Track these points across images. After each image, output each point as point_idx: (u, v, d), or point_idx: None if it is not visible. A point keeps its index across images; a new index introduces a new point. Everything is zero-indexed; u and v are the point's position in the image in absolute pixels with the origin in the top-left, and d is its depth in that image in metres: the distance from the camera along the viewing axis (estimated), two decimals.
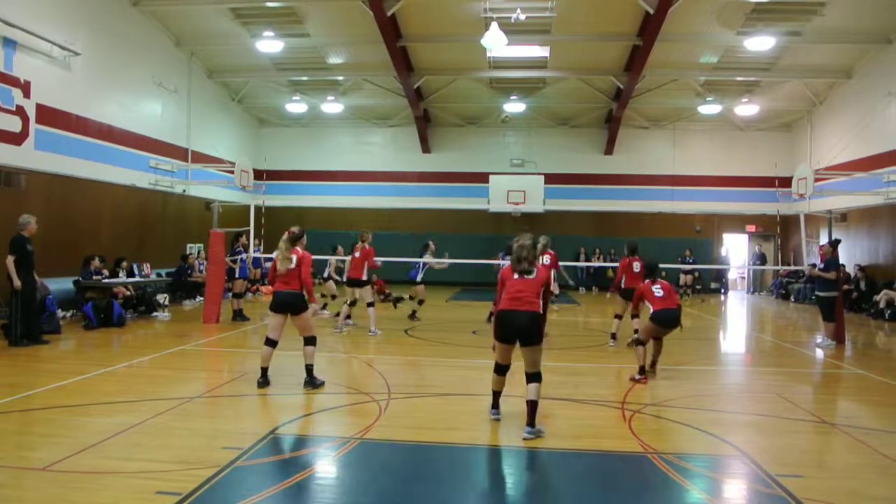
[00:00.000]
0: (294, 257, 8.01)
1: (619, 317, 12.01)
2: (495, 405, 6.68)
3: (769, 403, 7.73)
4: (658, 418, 6.99)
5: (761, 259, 25.97)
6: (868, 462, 5.64)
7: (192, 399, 7.33)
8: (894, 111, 19.23)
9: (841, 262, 13.09)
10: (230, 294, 15.25)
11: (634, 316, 10.74)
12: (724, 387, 9.30)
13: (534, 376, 6.23)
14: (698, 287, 25.59)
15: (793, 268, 23.63)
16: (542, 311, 6.29)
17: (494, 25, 16.17)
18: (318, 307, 13.35)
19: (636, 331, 11.51)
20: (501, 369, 6.51)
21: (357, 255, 12.97)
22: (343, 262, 15.47)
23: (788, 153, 25.94)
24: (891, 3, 17.43)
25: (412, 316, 15.25)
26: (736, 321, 17.97)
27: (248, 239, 15.38)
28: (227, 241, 14.95)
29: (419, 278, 15.13)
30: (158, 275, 17.90)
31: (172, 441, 5.79)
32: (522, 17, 17.38)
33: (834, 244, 12.74)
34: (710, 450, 6.00)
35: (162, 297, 15.54)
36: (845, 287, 14.18)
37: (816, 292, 13.09)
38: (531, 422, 6.16)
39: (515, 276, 6.35)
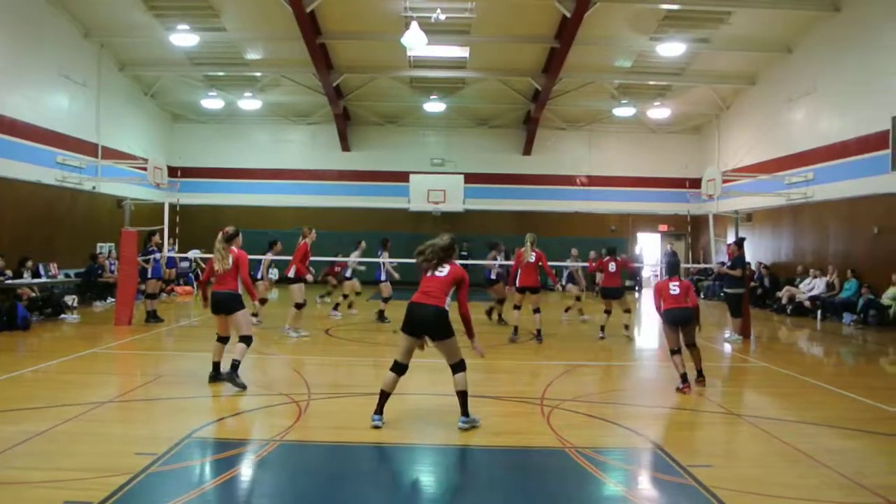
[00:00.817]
0: (231, 257, 8.03)
1: (608, 312, 13.02)
2: (379, 410, 6.36)
3: (681, 397, 8.00)
4: (575, 413, 7.13)
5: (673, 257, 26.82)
6: (772, 450, 5.93)
7: (102, 404, 7.05)
8: (795, 117, 20.25)
9: (747, 260, 13.69)
10: (143, 295, 14.75)
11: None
12: (639, 381, 9.62)
13: (455, 367, 6.33)
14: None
15: (702, 266, 24.53)
16: (464, 315, 6.42)
17: (415, 25, 16.20)
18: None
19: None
20: (397, 367, 6.39)
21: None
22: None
23: (698, 155, 26.96)
24: (792, 14, 18.40)
25: (381, 317, 14.80)
26: (649, 318, 18.52)
27: (161, 238, 14.88)
28: (140, 241, 14.46)
29: (382, 277, 15.09)
30: (67, 275, 17.22)
31: (82, 448, 5.56)
32: (442, 17, 17.47)
33: (739, 243, 13.34)
34: (625, 443, 6.19)
35: (70, 299, 14.93)
36: (751, 284, 14.83)
37: (724, 289, 13.69)
38: (464, 411, 6.29)
39: (429, 272, 6.49)
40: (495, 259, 14.50)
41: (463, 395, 6.31)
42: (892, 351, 12.58)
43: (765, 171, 21.33)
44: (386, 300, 14.94)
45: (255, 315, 13.25)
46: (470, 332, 6.48)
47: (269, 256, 14.50)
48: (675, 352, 8.32)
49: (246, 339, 8.02)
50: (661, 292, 8.61)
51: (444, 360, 6.37)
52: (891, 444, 6.27)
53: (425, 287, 6.42)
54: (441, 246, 6.54)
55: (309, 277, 12.78)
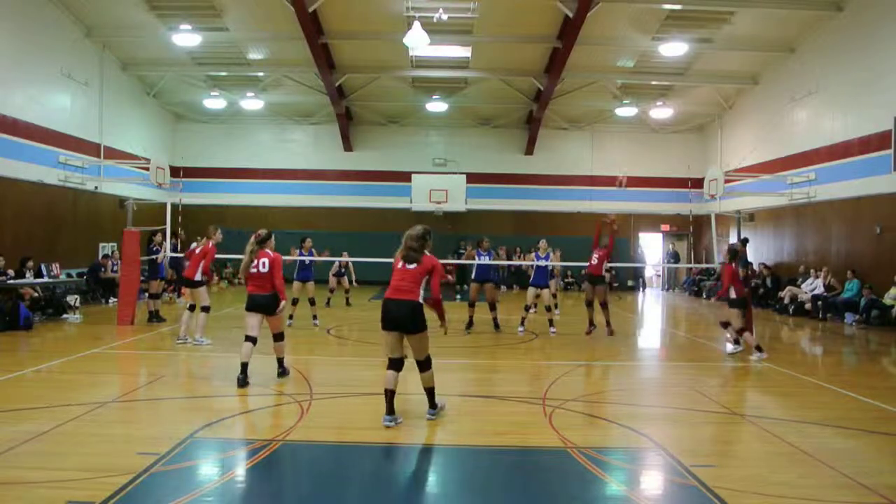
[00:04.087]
0: (266, 261, 8.30)
1: (590, 304, 12.72)
2: (389, 410, 6.37)
3: (683, 397, 8.01)
4: (577, 413, 7.14)
5: (675, 257, 26.84)
6: (774, 450, 5.92)
7: (105, 404, 7.06)
8: (797, 117, 20.23)
9: (749, 260, 13.67)
10: (146, 295, 14.76)
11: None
12: (641, 381, 9.60)
13: (421, 364, 6.47)
14: (615, 285, 26.25)
15: (705, 266, 24.51)
16: (436, 301, 6.48)
17: (417, 25, 16.20)
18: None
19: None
20: (392, 363, 6.46)
21: (197, 251, 11.62)
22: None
23: (700, 155, 26.93)
24: (794, 14, 18.37)
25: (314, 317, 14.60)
26: (652, 318, 18.52)
27: (164, 238, 14.88)
28: (143, 241, 14.46)
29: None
30: (69, 275, 17.21)
31: (84, 448, 5.57)
32: (445, 17, 17.49)
33: (743, 243, 13.32)
34: (627, 443, 6.18)
35: (72, 299, 14.92)
36: (753, 284, 14.80)
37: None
38: (431, 404, 6.53)
39: (400, 264, 6.53)
40: (473, 258, 13.93)
41: (427, 392, 6.52)
42: (894, 351, 12.55)
43: (767, 171, 21.31)
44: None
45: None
46: (441, 316, 6.61)
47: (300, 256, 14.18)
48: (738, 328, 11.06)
49: (281, 338, 8.52)
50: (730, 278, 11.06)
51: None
52: (893, 443, 6.26)
53: (397, 281, 6.47)
54: (418, 235, 6.58)
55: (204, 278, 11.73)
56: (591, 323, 12.66)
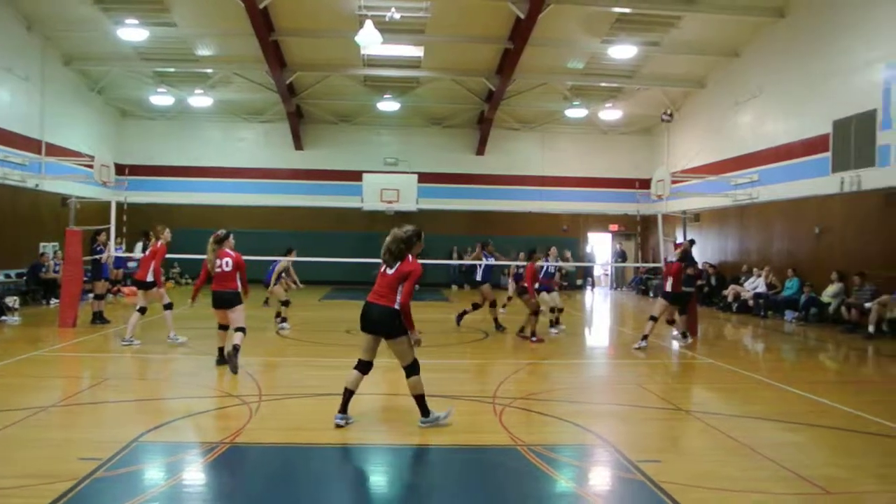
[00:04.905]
0: (229, 260, 9.03)
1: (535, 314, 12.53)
2: (343, 409, 6.31)
3: (630, 394, 8.15)
4: (527, 411, 7.21)
5: (622, 256, 27.27)
6: (718, 445, 6.07)
7: (45, 408, 6.86)
8: (741, 119, 20.75)
9: (695, 259, 13.96)
10: (90, 295, 14.38)
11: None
12: (589, 379, 9.75)
13: (408, 369, 6.30)
14: (565, 284, 26.52)
15: (652, 265, 24.95)
16: (402, 306, 6.19)
17: (369, 23, 16.12)
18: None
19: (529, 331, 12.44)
20: (361, 365, 6.37)
21: (146, 253, 11.57)
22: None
23: (648, 156, 27.41)
24: (739, 20, 18.87)
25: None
26: (600, 316, 18.78)
27: (108, 237, 14.51)
28: (86, 240, 14.09)
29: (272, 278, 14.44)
30: (7, 275, 16.68)
31: (23, 454, 5.41)
32: (397, 16, 17.44)
33: (690, 244, 13.61)
34: (575, 440, 6.27)
35: (11, 300, 14.47)
36: (698, 283, 15.13)
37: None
38: (423, 412, 6.33)
39: (382, 269, 6.41)
40: (479, 259, 14.16)
41: (417, 398, 6.31)
42: (831, 347, 12.97)
43: (712, 173, 21.80)
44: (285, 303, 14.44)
45: (284, 319, 13.62)
46: (409, 324, 6.26)
47: (289, 259, 14.40)
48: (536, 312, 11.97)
49: (242, 330, 8.95)
50: (534, 273, 11.81)
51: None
52: (830, 436, 6.48)
53: (376, 286, 6.35)
54: (402, 238, 6.38)
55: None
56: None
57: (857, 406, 7.51)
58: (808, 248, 17.21)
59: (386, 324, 6.21)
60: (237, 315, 9.04)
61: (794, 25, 17.82)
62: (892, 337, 13.37)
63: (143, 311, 11.12)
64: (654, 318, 11.88)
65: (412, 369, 6.29)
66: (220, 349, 9.19)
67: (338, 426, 6.25)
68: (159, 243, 11.30)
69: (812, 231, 16.90)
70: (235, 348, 8.74)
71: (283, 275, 14.46)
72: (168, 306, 11.31)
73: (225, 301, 9.02)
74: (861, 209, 15.31)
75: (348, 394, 6.33)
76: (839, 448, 6.14)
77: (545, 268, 13.50)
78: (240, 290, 9.12)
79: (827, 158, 16.03)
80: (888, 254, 14.46)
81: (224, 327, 9.21)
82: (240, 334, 8.92)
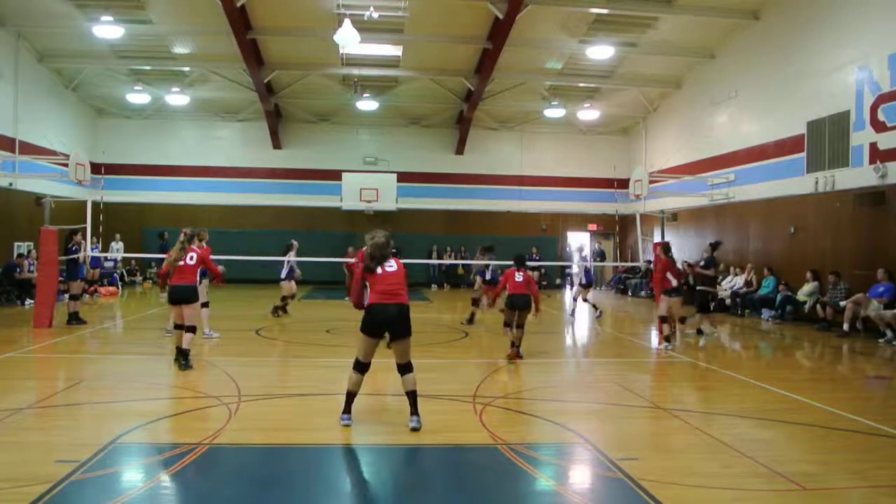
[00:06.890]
0: (194, 255, 9.26)
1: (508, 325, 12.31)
2: (347, 409, 6.41)
3: (609, 392, 8.20)
4: (507, 410, 7.24)
5: (601, 256, 27.39)
6: (696, 442, 6.13)
7: (20, 410, 6.77)
8: (718, 120, 20.95)
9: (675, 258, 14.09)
10: (66, 296, 14.20)
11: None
12: (568, 378, 9.81)
13: (406, 367, 6.34)
14: (544, 283, 26.61)
15: (630, 264, 25.11)
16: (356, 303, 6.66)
17: (347, 22, 16.05)
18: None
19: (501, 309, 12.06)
20: (362, 367, 6.38)
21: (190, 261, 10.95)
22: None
23: (626, 156, 27.60)
24: (714, 21, 19.09)
25: (274, 311, 15.04)
26: (579, 315, 18.85)
27: (84, 237, 14.34)
28: (61, 240, 13.91)
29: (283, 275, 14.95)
30: None
31: None
32: (376, 15, 17.39)
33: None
34: (555, 438, 6.31)
35: None
36: (680, 282, 15.23)
37: (697, 287, 13.85)
38: (415, 411, 6.30)
39: (379, 270, 6.40)
40: (487, 261, 14.59)
41: (413, 395, 6.34)
42: (806, 345, 13.13)
43: (689, 173, 21.99)
44: (289, 297, 15.28)
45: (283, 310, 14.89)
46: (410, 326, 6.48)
47: (291, 256, 14.86)
48: (507, 325, 10.38)
49: (192, 330, 9.05)
50: (507, 279, 10.27)
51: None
52: (805, 432, 6.56)
53: (384, 286, 6.33)
54: (384, 243, 6.47)
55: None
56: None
57: (832, 403, 7.61)
58: (783, 248, 17.41)
59: (406, 322, 6.33)
60: (191, 312, 9.15)
61: (767, 28, 18.04)
62: (865, 335, 13.57)
63: (206, 305, 11.74)
64: (663, 319, 11.94)
65: (411, 366, 6.39)
66: (178, 347, 9.12)
67: (346, 426, 6.30)
68: (204, 244, 11.52)
69: (787, 230, 17.10)
70: (184, 353, 8.90)
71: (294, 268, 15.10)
72: (205, 304, 11.60)
73: (182, 296, 9.08)
74: (835, 209, 15.50)
75: (351, 396, 6.40)
76: (815, 444, 6.22)
77: (490, 267, 14.18)
78: (198, 285, 9.48)
79: (801, 159, 16.26)
80: (861, 253, 14.67)
81: (180, 326, 9.14)
82: (190, 335, 9.04)
